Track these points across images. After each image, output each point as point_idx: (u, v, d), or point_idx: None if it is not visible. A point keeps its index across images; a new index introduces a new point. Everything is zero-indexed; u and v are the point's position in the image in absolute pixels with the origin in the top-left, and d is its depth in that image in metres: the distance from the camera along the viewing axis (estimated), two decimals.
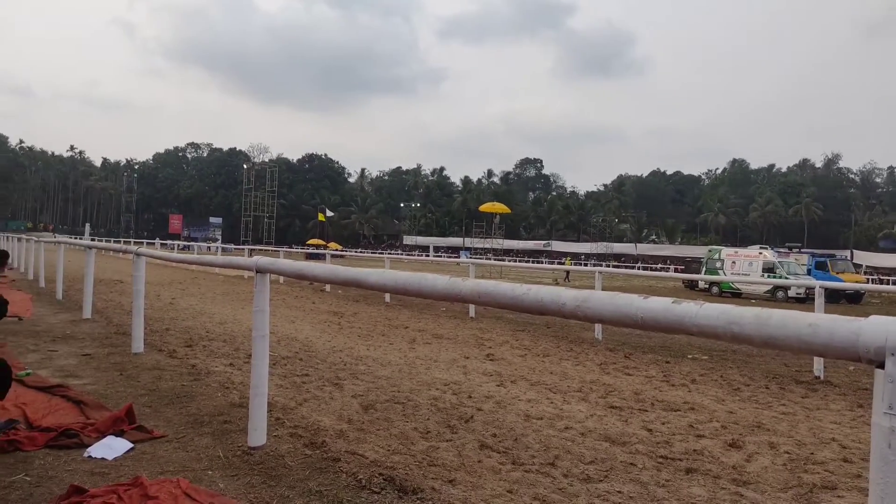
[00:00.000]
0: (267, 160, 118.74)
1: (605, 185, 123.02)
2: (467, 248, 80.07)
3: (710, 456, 4.56)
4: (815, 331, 1.45)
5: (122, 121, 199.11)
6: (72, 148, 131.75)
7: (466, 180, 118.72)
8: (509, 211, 54.92)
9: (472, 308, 13.85)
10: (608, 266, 54.44)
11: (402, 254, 60.70)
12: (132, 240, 53.21)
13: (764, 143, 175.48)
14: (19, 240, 25.83)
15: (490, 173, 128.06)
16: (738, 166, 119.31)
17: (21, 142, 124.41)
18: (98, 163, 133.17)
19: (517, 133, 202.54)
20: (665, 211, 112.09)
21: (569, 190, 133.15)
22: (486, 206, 53.84)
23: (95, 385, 5.75)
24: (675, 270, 46.68)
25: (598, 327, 11.17)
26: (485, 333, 10.95)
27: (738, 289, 28.29)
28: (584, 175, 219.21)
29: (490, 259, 43.93)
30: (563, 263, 50.28)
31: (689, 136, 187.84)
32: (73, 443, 4.10)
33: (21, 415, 4.60)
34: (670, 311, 1.72)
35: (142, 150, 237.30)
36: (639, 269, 52.29)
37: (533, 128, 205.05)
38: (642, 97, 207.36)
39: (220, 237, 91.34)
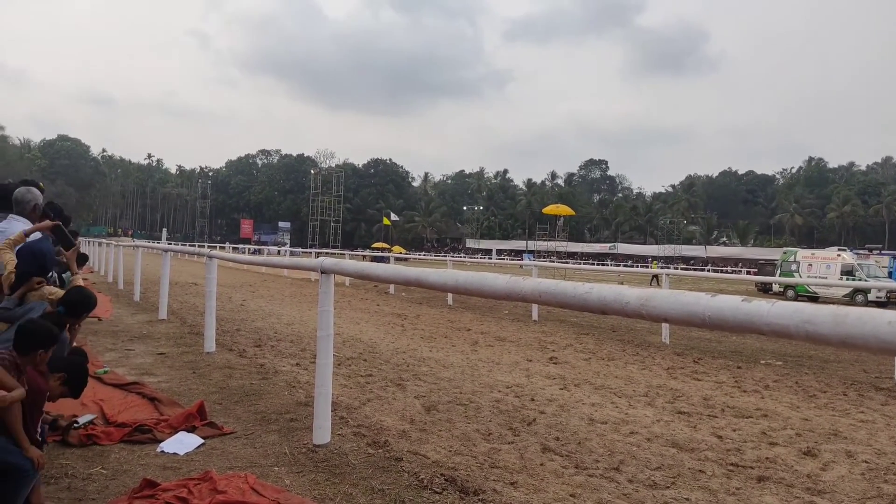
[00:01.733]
0: (333, 165, 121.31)
1: (673, 186, 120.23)
2: (530, 251, 79.57)
3: (783, 464, 4.38)
4: (895, 329, 1.37)
5: (197, 129, 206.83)
6: (149, 156, 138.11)
7: (530, 182, 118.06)
8: (573, 213, 54.27)
9: (534, 310, 13.74)
10: (676, 269, 53.10)
11: (464, 257, 60.79)
12: (206, 244, 55.14)
13: (843, 140, 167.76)
14: (100, 244, 27.15)
15: (554, 175, 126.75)
16: (815, 165, 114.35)
17: (103, 150, 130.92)
18: (174, 170, 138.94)
19: (582, 134, 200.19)
20: (737, 212, 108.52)
21: (635, 191, 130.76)
22: (550, 209, 53.38)
23: (169, 382, 5.97)
24: (748, 273, 45.08)
25: (665, 330, 10.89)
26: (548, 336, 10.84)
27: (815, 292, 27.08)
28: (651, 176, 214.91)
29: (554, 262, 43.48)
30: (650, 266, 48.87)
31: (762, 135, 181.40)
32: (146, 438, 4.26)
33: (98, 410, 4.81)
34: (740, 309, 1.65)
35: (215, 157, 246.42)
36: (708, 271, 50.73)
37: (598, 129, 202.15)
38: (714, 95, 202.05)
39: (288, 241, 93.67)
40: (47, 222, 4.11)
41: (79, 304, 3.54)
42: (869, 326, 1.41)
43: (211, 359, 7.16)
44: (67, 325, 3.59)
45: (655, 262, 60.39)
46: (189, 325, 9.89)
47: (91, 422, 4.40)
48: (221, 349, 7.75)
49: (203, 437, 4.28)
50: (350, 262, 4.34)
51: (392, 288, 19.74)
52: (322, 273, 4.30)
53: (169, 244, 41.90)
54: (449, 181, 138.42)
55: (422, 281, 3.40)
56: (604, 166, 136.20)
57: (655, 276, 35.17)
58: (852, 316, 1.44)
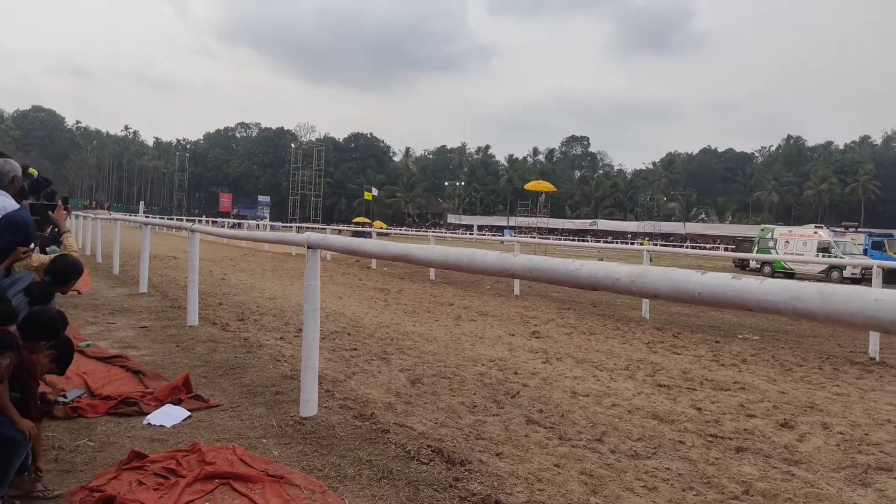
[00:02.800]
0: (314, 139, 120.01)
1: (653, 164, 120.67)
2: (511, 227, 79.76)
3: (761, 435, 4.49)
4: (880, 306, 1.41)
5: (174, 101, 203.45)
6: (126, 128, 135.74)
7: (512, 158, 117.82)
8: (555, 189, 54.34)
9: (516, 285, 13.83)
10: (655, 245, 53.55)
11: (446, 232, 60.81)
12: (184, 217, 54.61)
13: (821, 119, 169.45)
14: (76, 217, 26.74)
15: (535, 151, 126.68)
16: (794, 143, 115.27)
17: (77, 122, 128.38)
18: (150, 142, 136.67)
19: (565, 110, 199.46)
20: (716, 189, 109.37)
21: (616, 168, 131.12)
22: (532, 185, 53.34)
23: (153, 356, 5.96)
24: (726, 250, 45.63)
25: (645, 305, 11.03)
26: (530, 311, 10.93)
27: (792, 269, 27.52)
28: (632, 153, 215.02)
29: (535, 237, 43.64)
30: (642, 244, 49.05)
31: (742, 113, 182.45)
32: (132, 411, 4.26)
33: (82, 384, 4.79)
34: (729, 286, 1.69)
35: (193, 129, 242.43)
36: (687, 248, 51.31)
37: (581, 105, 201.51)
38: (697, 73, 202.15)
39: (268, 215, 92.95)
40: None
41: (66, 272, 3.50)
42: (855, 303, 1.45)
43: (194, 332, 7.14)
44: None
45: (647, 239, 60.79)
46: (170, 298, 9.83)
47: (79, 397, 4.38)
48: (204, 323, 7.73)
49: (189, 410, 4.29)
50: (337, 237, 4.34)
51: (374, 263, 19.73)
52: (308, 248, 4.29)
53: (146, 217, 41.43)
54: (430, 156, 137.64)
55: (410, 257, 3.41)
56: (585, 143, 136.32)
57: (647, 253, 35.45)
58: (839, 293, 1.48)
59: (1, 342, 2.74)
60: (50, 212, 4.24)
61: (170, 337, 6.86)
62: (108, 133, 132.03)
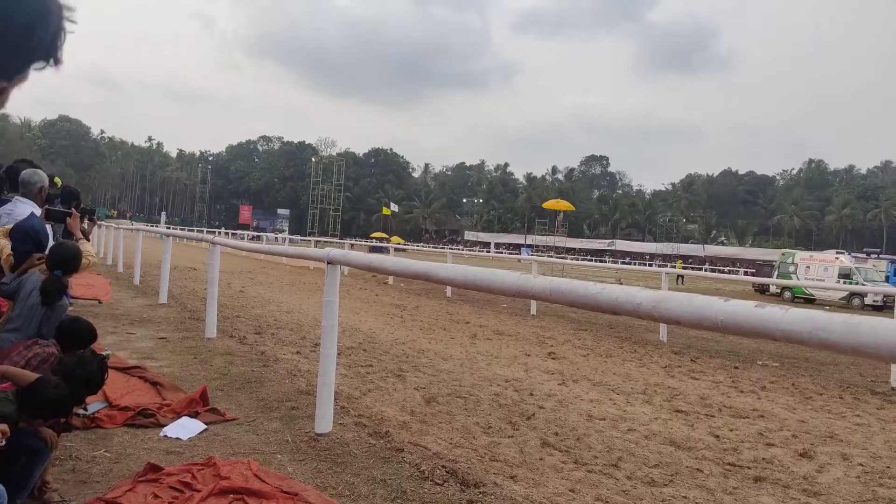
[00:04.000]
0: (334, 154, 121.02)
1: (673, 185, 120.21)
2: (528, 245, 79.60)
3: (779, 465, 4.42)
4: None
5: (199, 113, 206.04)
6: (149, 139, 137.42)
7: (530, 176, 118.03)
8: (573, 208, 54.12)
9: (533, 305, 13.78)
10: (674, 267, 53.11)
11: (462, 249, 60.86)
12: (205, 229, 55.15)
13: (844, 143, 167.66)
14: (99, 226, 27.07)
15: (554, 170, 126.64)
16: (815, 167, 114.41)
17: (102, 132, 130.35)
18: (174, 154, 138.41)
19: (585, 129, 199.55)
20: (736, 212, 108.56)
21: (635, 188, 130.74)
22: (550, 204, 53.22)
23: (171, 367, 5.99)
24: (746, 274, 45.16)
25: (663, 329, 10.93)
26: (546, 332, 10.87)
27: (812, 294, 27.18)
28: (651, 173, 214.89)
29: (552, 257, 43.51)
30: (676, 266, 48.67)
31: (764, 135, 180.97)
32: (149, 422, 4.28)
33: (102, 395, 4.82)
34: (753, 314, 1.67)
35: (215, 141, 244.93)
36: (706, 271, 50.83)
37: (601, 124, 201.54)
38: (720, 94, 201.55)
39: (287, 228, 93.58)
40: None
41: (68, 258, 3.51)
42: (881, 335, 1.43)
43: (212, 345, 7.18)
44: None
45: (681, 262, 60.34)
46: (189, 310, 9.90)
47: (98, 410, 4.41)
48: (222, 335, 7.77)
49: (206, 423, 4.31)
50: (357, 254, 4.36)
51: (391, 279, 19.75)
52: (328, 264, 4.31)
53: (168, 228, 41.88)
54: (449, 173, 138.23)
55: (430, 275, 3.42)
56: (605, 162, 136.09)
57: (680, 276, 35.23)
58: (865, 325, 1.46)
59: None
60: (69, 217, 4.28)
61: (188, 349, 6.90)
62: (132, 144, 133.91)
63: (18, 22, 0.73)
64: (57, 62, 0.80)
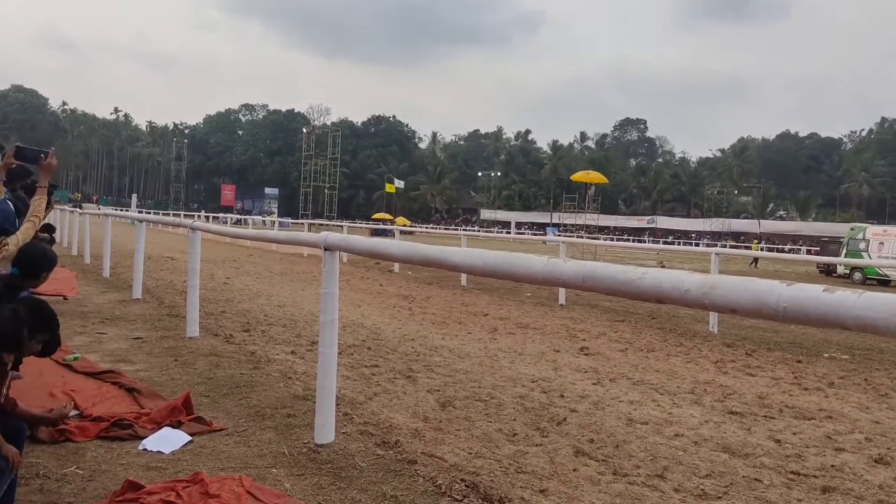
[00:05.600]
0: (329, 123, 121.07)
1: (722, 151, 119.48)
2: (555, 225, 79.49)
3: (851, 473, 4.41)
4: None
5: (171, 80, 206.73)
6: (116, 110, 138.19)
7: (556, 145, 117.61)
8: (606, 181, 53.96)
9: (562, 294, 13.79)
10: (724, 246, 52.95)
11: (478, 230, 60.88)
12: (182, 213, 55.37)
13: None
14: (62, 211, 27.33)
15: (584, 136, 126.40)
16: (889, 127, 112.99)
17: (63, 104, 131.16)
18: (144, 127, 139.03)
19: (620, 88, 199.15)
20: (797, 181, 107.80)
21: (678, 156, 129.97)
22: (579, 176, 53.10)
23: (148, 371, 6.06)
24: (809, 252, 44.90)
25: (713, 319, 10.91)
26: (577, 323, 10.89)
27: (887, 276, 26.98)
28: (697, 139, 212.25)
29: (582, 237, 43.47)
30: (751, 248, 48.50)
31: (830, 92, 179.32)
32: (126, 434, 4.33)
33: (70, 403, 4.89)
34: (821, 300, 1.66)
35: (192, 112, 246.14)
36: (762, 250, 50.53)
37: (639, 82, 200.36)
38: (778, 45, 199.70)
39: (276, 210, 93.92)
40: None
41: (36, 262, 3.49)
42: None
43: (194, 344, 7.26)
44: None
45: (757, 242, 60.04)
46: (167, 305, 9.99)
47: (69, 418, 4.46)
48: (206, 334, 7.85)
49: (190, 434, 4.36)
50: (359, 238, 4.37)
51: (397, 266, 19.82)
52: (325, 250, 4.33)
53: (140, 212, 42.16)
54: (462, 142, 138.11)
55: (443, 261, 3.42)
56: (642, 126, 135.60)
57: (755, 259, 35.13)
58: None
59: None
60: (42, 157, 4.20)
61: (167, 350, 6.97)
62: (96, 116, 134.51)
63: None
64: None
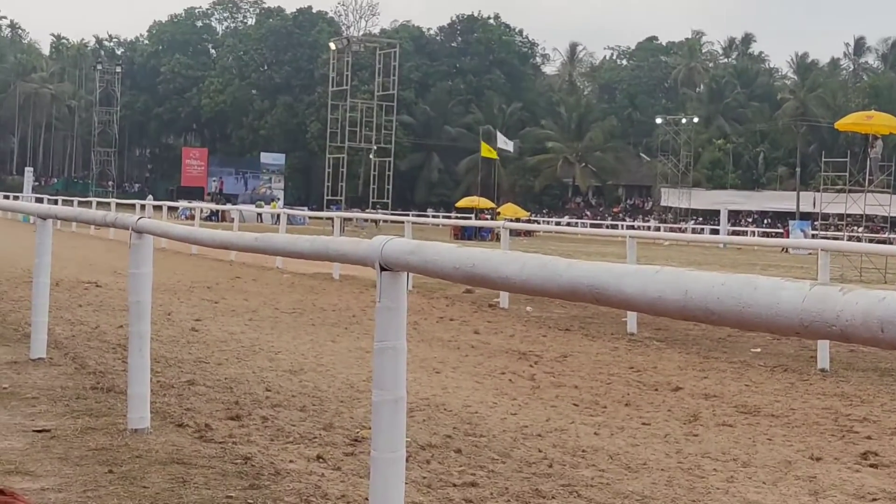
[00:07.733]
0: (376, 32, 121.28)
1: None
2: (806, 216, 78.08)
3: None
4: None
5: None
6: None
7: (803, 63, 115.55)
8: None
9: (822, 351, 13.42)
10: None
11: (659, 226, 60.30)
12: (113, 200, 56.00)
13: None
14: None
15: (859, 46, 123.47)
16: None
17: None
18: (46, 47, 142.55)
19: None
20: None
21: None
22: (850, 121, 52.01)
23: (63, 491, 6.17)
24: None
25: None
26: (854, 406, 10.64)
27: None
28: None
29: (862, 239, 42.62)
30: None
31: None
32: None
33: None
34: None
35: (126, 19, 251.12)
36: None
37: None
38: None
39: (281, 194, 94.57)
40: None
41: None
42: None
43: (143, 443, 7.34)
44: None
45: None
46: (92, 371, 10.17)
47: None
48: (162, 423, 7.96)
49: None
50: (443, 246, 4.37)
51: (505, 297, 19.72)
52: (382, 270, 4.34)
53: (39, 201, 43.29)
54: (624, 62, 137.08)
55: (600, 290, 3.37)
56: None
57: None
58: None
59: None
60: None
61: (94, 452, 7.07)
62: None
63: None
64: None
